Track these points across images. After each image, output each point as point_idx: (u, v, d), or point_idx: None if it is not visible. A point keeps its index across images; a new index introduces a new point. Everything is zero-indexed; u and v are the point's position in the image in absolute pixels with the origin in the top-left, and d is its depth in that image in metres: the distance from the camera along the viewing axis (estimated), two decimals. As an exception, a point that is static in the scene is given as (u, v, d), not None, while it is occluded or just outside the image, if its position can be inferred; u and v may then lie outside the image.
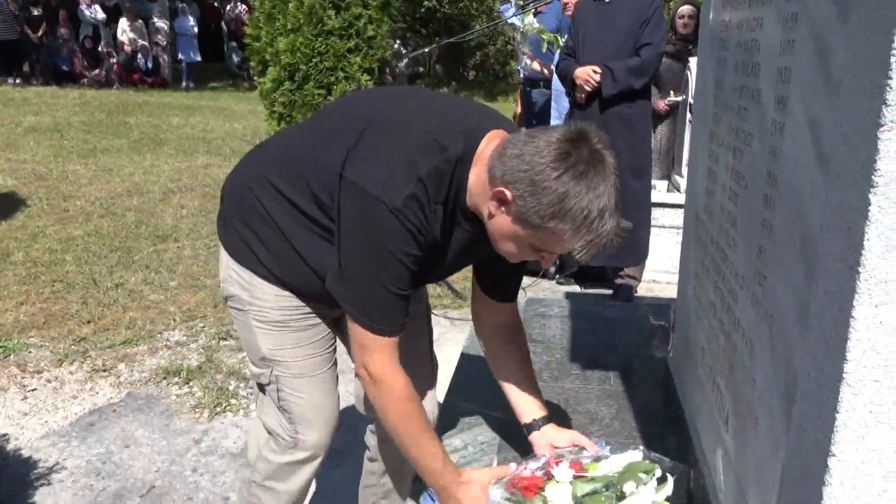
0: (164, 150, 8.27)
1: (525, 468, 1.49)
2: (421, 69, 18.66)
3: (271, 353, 1.61)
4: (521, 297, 3.42)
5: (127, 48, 14.58)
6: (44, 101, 11.27)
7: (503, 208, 1.32)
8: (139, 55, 14.59)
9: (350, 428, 1.97)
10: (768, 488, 1.10)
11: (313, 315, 1.62)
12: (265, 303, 1.58)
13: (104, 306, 3.95)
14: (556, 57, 4.94)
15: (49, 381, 3.20)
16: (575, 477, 1.45)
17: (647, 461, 1.48)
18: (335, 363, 1.73)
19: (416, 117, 1.44)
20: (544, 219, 1.26)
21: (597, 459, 1.50)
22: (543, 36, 5.47)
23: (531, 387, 1.69)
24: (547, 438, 1.63)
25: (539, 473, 1.48)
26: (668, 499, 1.39)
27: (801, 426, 0.96)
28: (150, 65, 14.70)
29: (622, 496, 1.39)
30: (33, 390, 3.12)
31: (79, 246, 4.89)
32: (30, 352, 3.41)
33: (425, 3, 17.05)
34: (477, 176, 1.37)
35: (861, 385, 0.83)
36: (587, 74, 3.90)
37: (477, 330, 1.77)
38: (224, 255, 1.64)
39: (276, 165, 1.54)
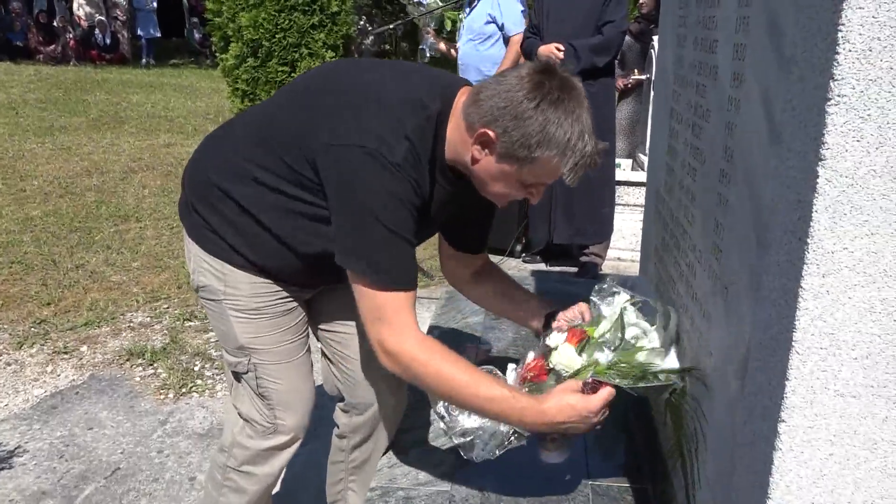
0: (125, 128, 8.10)
1: (526, 360, 1.53)
2: (387, 46, 18.48)
3: (249, 341, 1.61)
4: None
5: (84, 23, 14.20)
6: (-2, 79, 10.95)
7: (487, 150, 1.35)
8: (97, 30, 14.22)
9: (317, 406, 1.98)
10: (722, 455, 1.13)
11: (289, 299, 1.62)
12: (241, 291, 1.57)
13: (64, 287, 3.88)
14: (461, 37, 4.74)
15: (9, 364, 3.14)
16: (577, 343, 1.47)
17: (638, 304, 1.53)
18: (309, 346, 1.75)
19: (393, 81, 1.46)
20: (531, 149, 1.30)
21: (594, 323, 1.52)
22: (448, 15, 5.39)
23: (527, 299, 1.75)
24: (559, 315, 1.65)
25: (539, 354, 1.51)
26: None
27: (753, 394, 0.99)
28: (108, 41, 14.34)
29: (630, 345, 1.42)
30: (-8, 373, 3.06)
31: (37, 226, 4.79)
32: (-12, 335, 3.35)
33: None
34: (454, 128, 1.40)
35: (808, 353, 0.86)
36: (551, 51, 3.90)
37: (454, 283, 1.82)
38: (193, 246, 1.61)
39: (245, 146, 1.52)
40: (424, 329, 2.52)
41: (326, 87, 1.48)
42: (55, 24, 14.17)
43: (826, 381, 0.87)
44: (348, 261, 1.38)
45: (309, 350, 1.74)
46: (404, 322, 1.36)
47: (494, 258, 4.52)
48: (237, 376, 1.67)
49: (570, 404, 1.36)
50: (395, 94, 1.41)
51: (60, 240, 4.57)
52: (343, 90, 1.44)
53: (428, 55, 5.63)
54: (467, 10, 4.69)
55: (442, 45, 5.59)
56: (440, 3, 5.18)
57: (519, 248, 4.50)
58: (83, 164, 6.44)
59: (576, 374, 1.42)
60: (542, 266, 4.44)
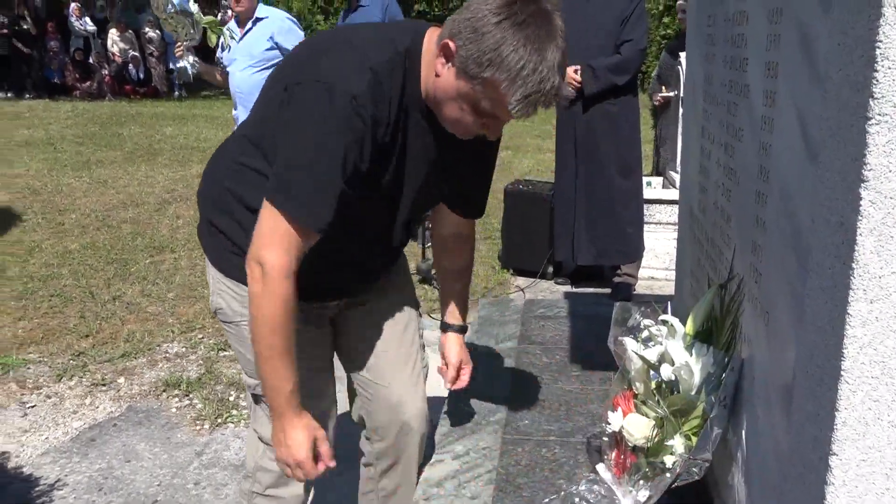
0: (159, 160, 8.26)
1: (604, 466, 1.56)
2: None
3: None
4: (520, 299, 3.42)
5: (118, 59, 14.57)
6: (36, 115, 11.26)
7: (448, 64, 1.31)
8: (130, 66, 14.58)
9: (349, 435, 1.97)
10: (768, 486, 1.09)
11: (308, 321, 1.59)
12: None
13: (102, 319, 3.94)
14: (223, 55, 4.20)
15: (48, 396, 3.18)
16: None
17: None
18: (332, 368, 1.75)
19: (366, 28, 1.50)
20: (482, 66, 1.25)
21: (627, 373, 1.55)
22: (212, 29, 4.18)
23: (462, 296, 1.84)
24: (448, 342, 1.81)
25: (611, 446, 1.53)
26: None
27: (800, 424, 0.95)
28: (141, 75, 14.68)
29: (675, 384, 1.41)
30: (33, 407, 3.10)
31: (75, 259, 4.88)
32: (28, 368, 3.40)
33: (416, 6, 17.02)
34: (428, 63, 1.37)
35: (859, 382, 0.82)
36: (569, 76, 3.89)
37: (432, 231, 1.86)
38: (212, 269, 1.63)
39: (243, 145, 1.53)
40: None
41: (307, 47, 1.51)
42: (90, 60, 14.59)
43: (879, 411, 0.83)
44: (274, 184, 1.33)
45: (330, 372, 1.74)
46: (284, 257, 1.32)
47: (525, 281, 4.48)
48: (256, 399, 1.66)
49: (288, 439, 1.43)
50: (365, 35, 1.41)
51: (98, 272, 4.65)
52: (317, 43, 1.46)
53: (190, 73, 4.28)
54: (238, 30, 4.17)
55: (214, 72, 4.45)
56: (204, 18, 4.09)
57: (550, 270, 4.46)
58: (119, 197, 6.57)
59: (655, 439, 1.41)
60: (574, 288, 4.38)
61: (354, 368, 1.80)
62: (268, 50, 4.29)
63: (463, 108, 1.33)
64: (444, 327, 1.83)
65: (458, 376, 1.82)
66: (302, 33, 4.37)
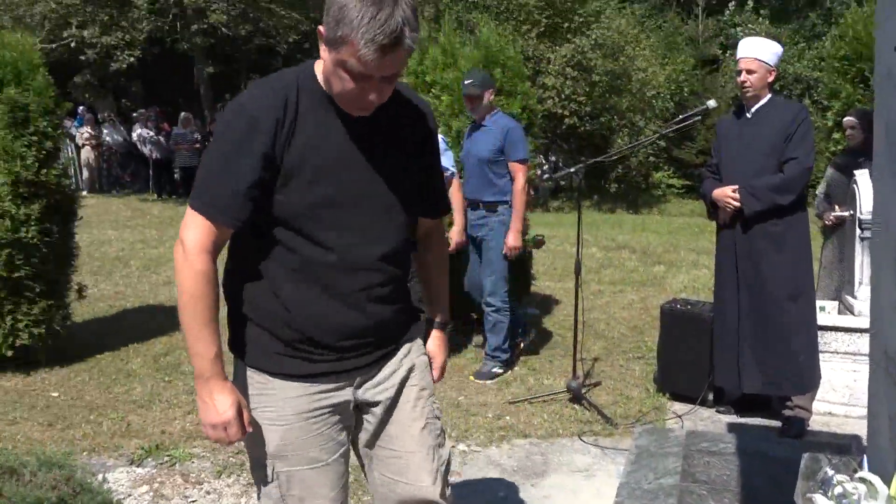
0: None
1: None
2: (562, 182, 18.86)
3: (278, 448, 1.71)
4: (681, 429, 3.22)
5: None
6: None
7: (323, 45, 1.57)
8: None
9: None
10: None
11: (327, 408, 1.74)
12: (275, 398, 1.72)
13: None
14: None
15: (208, 492, 3.32)
16: None
17: None
18: (346, 460, 1.82)
19: None
20: (335, 29, 1.50)
21: None
22: None
23: (444, 290, 2.04)
24: (432, 339, 2.00)
25: None
26: None
27: None
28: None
29: None
30: (193, 501, 3.24)
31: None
32: (193, 462, 3.58)
33: (566, 120, 17.46)
34: (319, 66, 1.67)
35: None
36: (726, 196, 3.77)
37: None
38: (236, 362, 1.78)
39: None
40: (611, 484, 2.37)
41: None
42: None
43: None
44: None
45: (345, 462, 1.82)
46: (199, 236, 1.61)
47: (683, 407, 4.23)
48: (263, 483, 1.76)
49: (214, 402, 1.63)
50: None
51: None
52: None
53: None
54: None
55: None
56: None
57: (711, 396, 4.18)
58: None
59: None
60: (738, 419, 4.06)
61: (376, 468, 1.90)
62: None
63: (342, 76, 1.56)
64: (431, 324, 2.01)
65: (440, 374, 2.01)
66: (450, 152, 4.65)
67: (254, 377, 1.73)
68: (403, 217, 1.78)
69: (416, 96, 1.84)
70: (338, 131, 1.66)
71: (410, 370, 1.86)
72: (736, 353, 3.80)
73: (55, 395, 4.45)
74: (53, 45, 15.81)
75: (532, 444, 3.77)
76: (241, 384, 1.74)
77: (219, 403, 1.63)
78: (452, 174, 4.68)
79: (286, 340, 1.70)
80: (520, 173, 4.63)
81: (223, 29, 15.86)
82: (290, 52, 17.75)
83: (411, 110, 1.78)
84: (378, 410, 1.83)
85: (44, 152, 4.60)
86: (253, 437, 1.74)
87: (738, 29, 22.16)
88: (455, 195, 4.71)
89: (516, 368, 4.93)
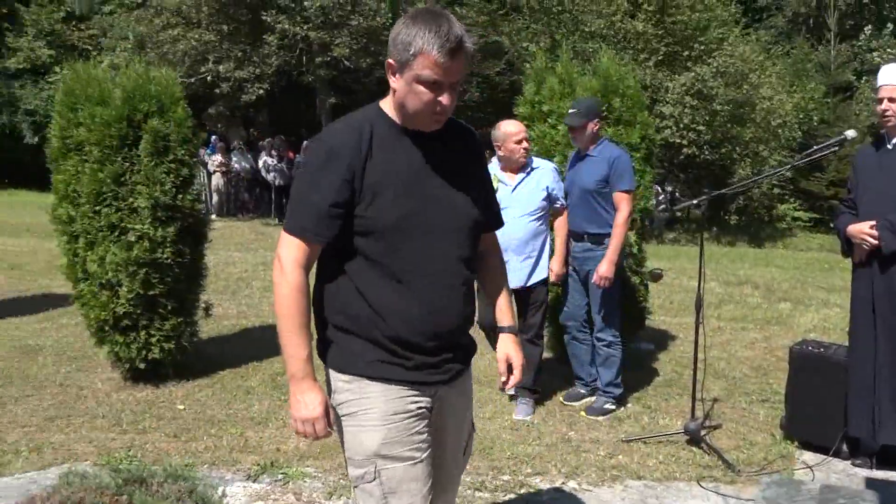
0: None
1: None
2: (679, 214, 18.31)
3: (380, 448, 1.90)
4: (812, 482, 2.98)
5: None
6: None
7: (394, 75, 1.87)
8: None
9: None
10: None
11: (419, 406, 1.96)
12: (373, 400, 1.92)
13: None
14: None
15: (318, 512, 3.37)
16: None
17: None
18: (431, 457, 2.00)
19: None
20: (406, 51, 1.81)
21: None
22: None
23: (507, 295, 2.21)
24: (503, 343, 2.16)
25: None
26: None
27: None
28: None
29: None
30: (305, 521, 3.30)
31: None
32: (305, 481, 3.65)
33: (684, 150, 16.95)
34: (388, 101, 1.96)
35: None
36: (862, 232, 3.50)
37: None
38: (329, 371, 2.01)
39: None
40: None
41: None
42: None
43: None
44: None
45: (431, 460, 2.00)
46: (294, 253, 1.89)
47: (814, 457, 3.94)
48: (364, 482, 1.94)
49: (305, 399, 1.90)
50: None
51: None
52: None
53: None
54: (503, 176, 4.52)
55: None
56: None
57: (845, 447, 3.86)
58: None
59: None
60: (877, 473, 3.72)
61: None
62: (543, 199, 4.49)
63: (417, 91, 1.84)
64: (500, 330, 2.17)
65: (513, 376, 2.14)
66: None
67: (352, 383, 1.95)
68: (473, 224, 2.02)
69: (460, 122, 2.11)
70: (411, 154, 1.93)
71: (467, 400, 2.18)
72: (872, 402, 3.51)
73: (181, 407, 4.70)
74: (192, 79, 16.99)
75: (647, 486, 3.60)
76: (335, 390, 1.99)
77: (309, 401, 1.89)
78: (563, 205, 4.62)
79: (382, 346, 1.92)
80: (624, 203, 4.49)
81: (345, 62, 16.53)
82: (407, 83, 18.26)
83: (461, 132, 2.08)
84: (442, 421, 2.07)
85: (181, 178, 4.90)
86: (352, 441, 1.96)
87: (875, 54, 20.90)
88: (562, 226, 4.65)
89: (629, 405, 4.75)
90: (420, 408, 1.96)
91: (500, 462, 3.90)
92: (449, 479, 2.15)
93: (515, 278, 4.39)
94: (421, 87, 1.82)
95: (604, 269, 4.45)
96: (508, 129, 4.45)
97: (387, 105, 1.96)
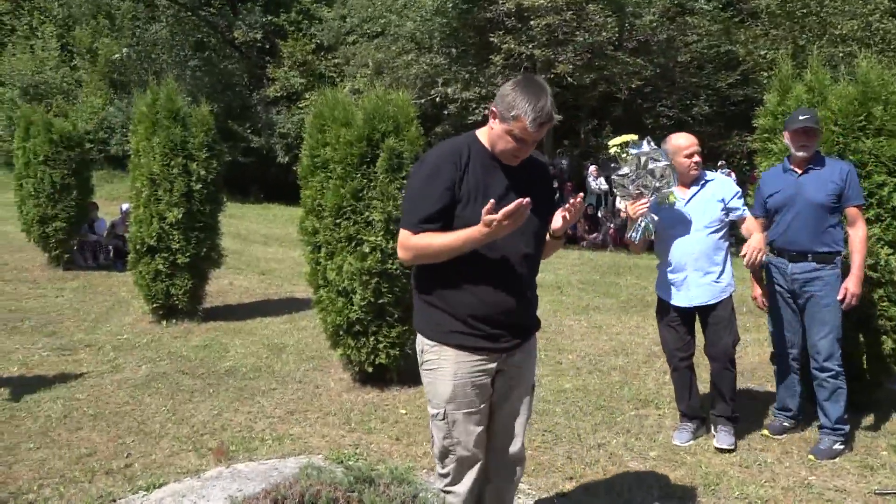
0: (650, 311, 8.49)
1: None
2: None
3: (450, 396, 2.58)
4: None
5: (623, 214, 15.83)
6: (548, 261, 12.78)
7: (494, 119, 2.53)
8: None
9: None
10: None
11: (483, 374, 2.61)
12: (447, 363, 2.58)
13: (586, 465, 4.05)
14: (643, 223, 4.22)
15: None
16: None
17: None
18: (489, 406, 2.70)
19: None
20: (510, 109, 2.46)
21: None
22: (668, 197, 4.21)
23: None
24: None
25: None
26: None
27: None
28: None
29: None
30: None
31: (568, 399, 5.21)
32: (519, 497, 3.64)
33: None
34: (484, 132, 2.62)
35: None
36: None
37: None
38: (419, 338, 2.68)
39: None
40: None
41: None
42: (599, 215, 16.21)
43: None
44: None
45: (488, 409, 2.69)
46: (404, 237, 2.55)
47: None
48: (437, 419, 2.64)
49: (485, 231, 2.39)
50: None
51: (586, 415, 4.87)
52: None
53: (652, 230, 4.24)
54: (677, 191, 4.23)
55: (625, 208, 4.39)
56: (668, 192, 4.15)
57: None
58: (611, 344, 6.90)
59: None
60: None
61: (495, 418, 2.75)
62: (721, 211, 4.23)
63: (507, 140, 2.51)
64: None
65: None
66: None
67: (435, 348, 2.60)
68: (536, 230, 2.65)
69: (538, 158, 2.72)
70: (498, 173, 2.58)
71: (531, 359, 2.82)
72: None
73: (403, 411, 4.93)
74: (422, 101, 17.97)
75: (907, 551, 3.12)
76: (422, 350, 2.66)
77: (486, 222, 2.36)
78: (742, 216, 4.27)
79: (460, 320, 2.55)
80: (860, 219, 4.14)
81: (568, 78, 16.51)
82: (630, 98, 17.79)
83: (537, 165, 2.73)
84: (507, 381, 2.69)
85: (410, 194, 5.18)
86: (430, 389, 2.64)
87: None
88: (754, 225, 4.27)
89: (883, 453, 4.17)
90: (483, 370, 2.59)
91: (728, 502, 3.60)
92: (517, 421, 2.76)
93: (696, 295, 4.19)
94: (510, 139, 2.50)
95: (852, 286, 4.08)
96: (678, 143, 4.27)
97: (482, 135, 2.61)
